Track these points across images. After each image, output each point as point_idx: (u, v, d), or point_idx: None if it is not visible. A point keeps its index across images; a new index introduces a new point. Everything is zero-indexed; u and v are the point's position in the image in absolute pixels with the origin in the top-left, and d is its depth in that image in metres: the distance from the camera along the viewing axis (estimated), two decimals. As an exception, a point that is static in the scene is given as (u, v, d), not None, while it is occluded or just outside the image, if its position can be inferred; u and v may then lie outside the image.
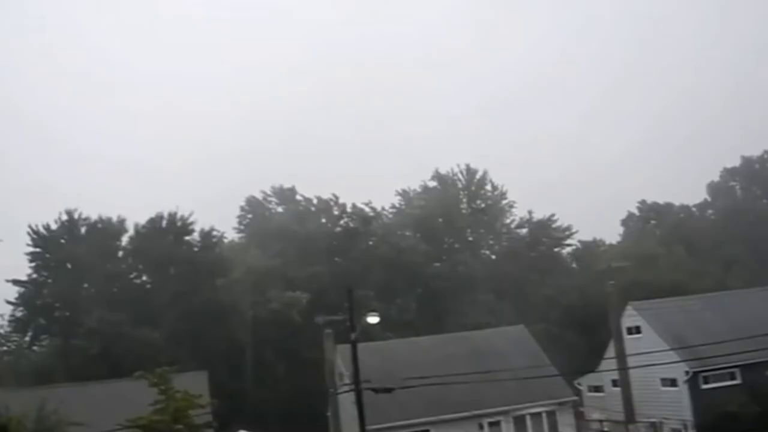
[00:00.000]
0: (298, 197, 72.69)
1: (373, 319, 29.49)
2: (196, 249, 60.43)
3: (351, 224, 68.80)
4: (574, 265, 75.24)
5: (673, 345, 46.61)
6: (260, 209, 73.13)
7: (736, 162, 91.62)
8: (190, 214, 60.82)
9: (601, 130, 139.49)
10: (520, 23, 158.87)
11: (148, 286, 60.83)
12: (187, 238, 60.98)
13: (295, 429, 48.01)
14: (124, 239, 61.46)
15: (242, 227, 71.63)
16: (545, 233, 73.79)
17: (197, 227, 61.06)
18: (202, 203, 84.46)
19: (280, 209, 73.14)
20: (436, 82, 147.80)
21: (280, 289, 57.82)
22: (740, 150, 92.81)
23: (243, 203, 71.52)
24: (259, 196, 73.10)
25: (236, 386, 50.09)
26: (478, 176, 78.66)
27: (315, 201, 70.83)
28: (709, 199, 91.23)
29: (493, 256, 75.54)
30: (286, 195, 73.05)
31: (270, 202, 73.66)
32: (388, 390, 32.96)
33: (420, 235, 71.23)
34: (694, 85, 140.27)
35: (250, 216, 72.96)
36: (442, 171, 79.16)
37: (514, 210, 77.89)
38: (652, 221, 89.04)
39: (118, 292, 58.08)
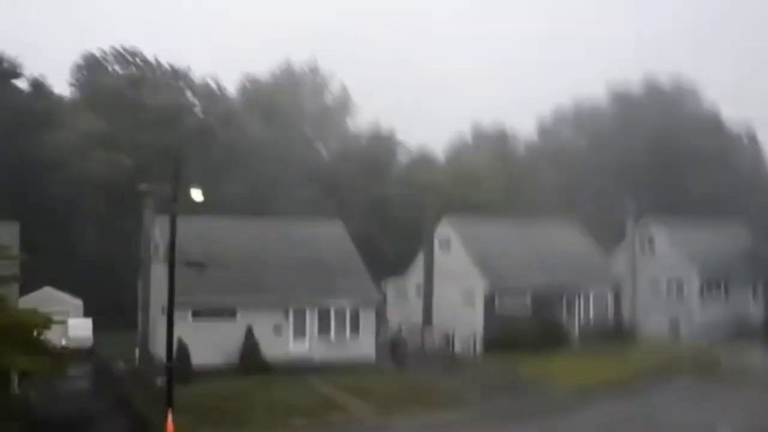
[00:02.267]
0: (139, 61, 70.30)
1: (196, 194, 29.53)
2: (23, 96, 57.63)
3: (194, 99, 67.70)
4: (401, 169, 77.54)
5: (477, 262, 49.86)
6: (98, 68, 70.15)
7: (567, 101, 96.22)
8: (17, 56, 57.80)
9: (453, 50, 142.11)
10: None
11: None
12: (13, 81, 57.87)
13: (103, 293, 47.77)
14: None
15: (76, 83, 68.62)
16: (380, 142, 75.42)
17: (27, 73, 58.15)
18: (34, 49, 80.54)
19: (117, 70, 70.48)
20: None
21: (107, 151, 56.48)
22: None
23: (79, 60, 68.32)
24: (98, 53, 70.07)
25: (49, 245, 49.06)
26: (323, 74, 79.69)
27: (165, 67, 68.80)
28: (535, 136, 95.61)
29: (326, 154, 76.66)
30: (125, 57, 70.40)
31: (109, 62, 70.74)
32: (201, 265, 33.70)
33: (262, 122, 71.17)
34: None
35: (85, 73, 69.91)
36: (295, 62, 79.51)
37: (357, 117, 79.25)
38: (479, 143, 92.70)
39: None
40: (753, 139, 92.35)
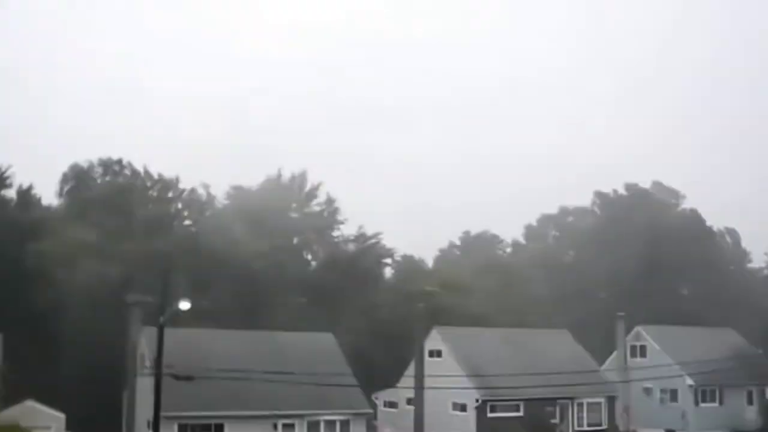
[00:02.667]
0: (127, 172, 70.77)
1: (184, 305, 29.26)
2: (10, 206, 57.64)
3: (182, 208, 67.88)
4: (390, 278, 77.26)
5: (468, 372, 49.13)
6: (84, 178, 70.51)
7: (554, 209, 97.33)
8: (9, 167, 58.12)
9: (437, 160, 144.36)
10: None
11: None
12: (2, 192, 58.04)
13: (88, 407, 46.59)
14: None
15: (63, 193, 68.87)
16: (368, 248, 75.45)
17: (15, 182, 58.37)
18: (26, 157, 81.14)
19: (105, 180, 70.82)
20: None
21: (94, 261, 56.15)
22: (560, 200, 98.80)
23: (66, 169, 68.77)
24: (85, 164, 70.59)
25: (32, 357, 48.09)
26: (310, 185, 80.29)
27: (154, 177, 69.16)
28: (523, 242, 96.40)
29: (314, 263, 76.47)
30: (113, 167, 70.90)
31: (96, 172, 71.20)
32: (189, 378, 32.89)
33: (250, 231, 71.22)
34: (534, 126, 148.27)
35: (72, 182, 70.23)
36: (285, 173, 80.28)
37: (343, 226, 79.47)
38: (470, 250, 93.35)
39: None
40: (736, 239, 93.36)
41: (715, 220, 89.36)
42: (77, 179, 67.98)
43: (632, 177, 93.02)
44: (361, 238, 76.80)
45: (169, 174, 70.63)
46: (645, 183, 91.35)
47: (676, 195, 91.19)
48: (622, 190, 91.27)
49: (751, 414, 58.12)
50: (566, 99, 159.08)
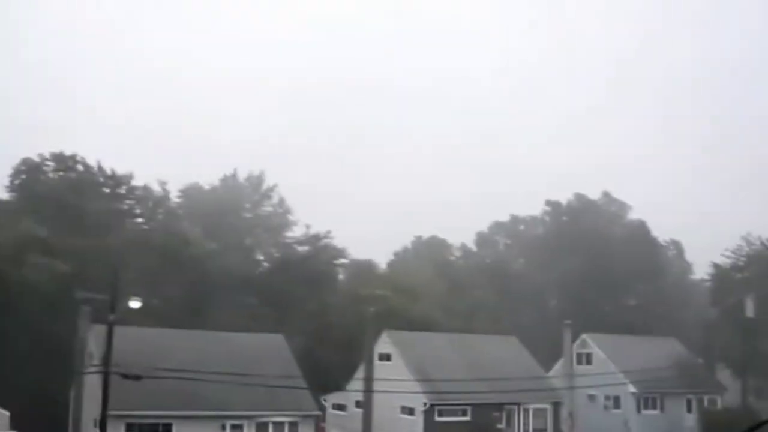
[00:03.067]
0: (80, 167, 69.92)
1: (135, 304, 29.45)
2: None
3: (135, 204, 67.28)
4: (342, 281, 77.44)
5: (417, 376, 49.63)
6: (36, 172, 69.53)
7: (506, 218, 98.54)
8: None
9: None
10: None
11: None
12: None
13: (32, 404, 46.00)
14: None
15: (13, 187, 67.80)
16: (319, 249, 75.58)
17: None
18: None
19: (57, 175, 69.91)
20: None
21: (44, 257, 55.55)
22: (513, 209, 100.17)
23: (18, 163, 67.65)
24: (37, 158, 69.58)
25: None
26: (265, 185, 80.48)
27: (107, 172, 68.37)
28: (474, 249, 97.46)
29: (266, 264, 76.38)
30: (66, 162, 69.98)
31: (48, 166, 70.26)
32: (137, 377, 32.84)
33: (202, 230, 71.07)
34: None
35: (23, 177, 69.18)
36: (241, 173, 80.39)
37: (295, 227, 79.59)
38: (421, 256, 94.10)
39: None
40: (680, 251, 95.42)
41: (660, 232, 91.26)
42: (28, 173, 67.04)
43: (582, 188, 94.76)
44: (312, 239, 76.87)
45: (122, 170, 70.10)
46: (594, 194, 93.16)
47: (623, 206, 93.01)
48: (572, 200, 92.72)
49: (690, 421, 59.56)
50: (523, 106, 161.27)
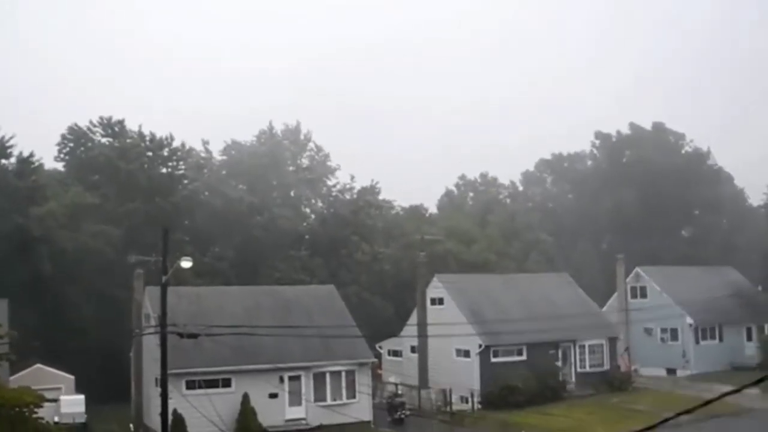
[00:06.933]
0: (126, 132, 70.45)
1: (186, 264, 29.64)
2: (11, 174, 57.60)
3: (181, 167, 67.83)
4: (392, 227, 77.48)
5: (470, 318, 49.66)
6: (84, 139, 70.29)
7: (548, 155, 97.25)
8: (11, 137, 58.12)
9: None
10: None
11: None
12: (2, 161, 58.11)
13: (95, 367, 47.29)
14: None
15: (62, 156, 68.70)
16: (367, 199, 75.51)
17: (16, 151, 58.44)
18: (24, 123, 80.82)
19: (105, 141, 70.63)
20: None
21: (95, 223, 56.56)
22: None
23: (66, 132, 68.38)
24: (84, 125, 70.28)
25: (38, 320, 48.58)
26: (302, 135, 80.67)
27: (152, 137, 68.84)
28: (520, 188, 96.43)
29: (313, 216, 76.68)
30: (113, 127, 70.60)
31: (95, 133, 70.96)
32: (194, 336, 33.30)
33: (247, 187, 71.59)
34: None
35: (71, 145, 70.01)
36: (277, 126, 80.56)
37: (338, 173, 79.70)
38: (470, 196, 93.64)
39: None
40: (728, 176, 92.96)
41: (712, 160, 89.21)
42: (76, 141, 67.82)
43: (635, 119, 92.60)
44: (362, 191, 76.85)
45: (162, 134, 70.46)
46: (646, 125, 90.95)
47: (679, 137, 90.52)
48: (625, 130, 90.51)
49: (751, 350, 58.81)
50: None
